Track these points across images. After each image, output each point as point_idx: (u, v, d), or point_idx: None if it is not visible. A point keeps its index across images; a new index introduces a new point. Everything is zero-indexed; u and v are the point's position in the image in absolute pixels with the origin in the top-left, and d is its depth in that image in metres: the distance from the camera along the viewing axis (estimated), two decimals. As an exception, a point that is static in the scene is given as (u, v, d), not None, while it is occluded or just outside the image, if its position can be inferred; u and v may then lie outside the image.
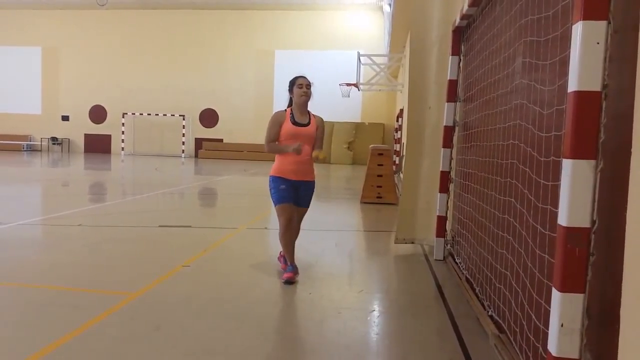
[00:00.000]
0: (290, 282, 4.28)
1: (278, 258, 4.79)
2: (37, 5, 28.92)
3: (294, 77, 4.43)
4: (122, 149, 29.19)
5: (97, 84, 29.76)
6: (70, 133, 30.34)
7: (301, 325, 3.46)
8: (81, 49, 29.82)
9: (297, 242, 4.58)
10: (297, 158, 4.28)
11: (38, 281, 4.20)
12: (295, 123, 4.32)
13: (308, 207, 4.56)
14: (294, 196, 4.37)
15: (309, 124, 4.38)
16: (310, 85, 4.39)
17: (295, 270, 4.40)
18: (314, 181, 4.51)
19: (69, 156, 25.81)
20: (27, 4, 28.75)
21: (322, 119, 4.52)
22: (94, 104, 30.03)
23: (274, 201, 4.37)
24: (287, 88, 4.47)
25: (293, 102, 4.40)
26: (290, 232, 4.42)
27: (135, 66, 29.39)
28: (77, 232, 6.26)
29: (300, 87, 4.34)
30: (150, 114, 29.11)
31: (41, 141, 30.21)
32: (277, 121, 4.35)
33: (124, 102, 29.41)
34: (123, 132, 29.20)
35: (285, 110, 4.41)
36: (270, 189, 4.39)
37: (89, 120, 30.19)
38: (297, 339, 3.23)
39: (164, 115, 29.02)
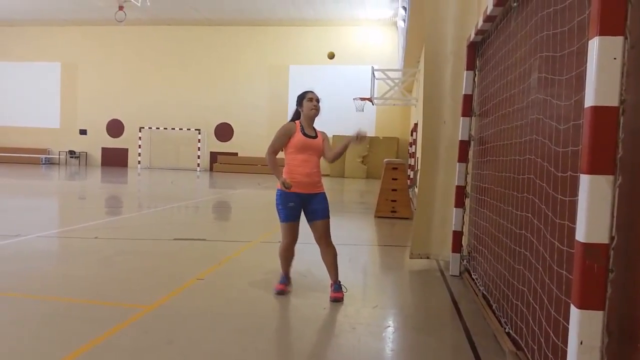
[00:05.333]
0: (282, 293, 4.36)
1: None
2: (57, 22, 29.56)
3: (303, 91, 4.47)
4: (139, 162, 29.49)
5: (114, 98, 30.21)
6: (88, 147, 30.76)
7: (315, 340, 3.44)
8: (99, 64, 30.35)
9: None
10: (307, 170, 4.26)
11: (54, 293, 4.24)
12: (305, 135, 4.31)
13: (328, 217, 4.39)
14: (301, 212, 4.34)
15: (316, 136, 4.37)
16: (319, 100, 4.42)
17: (288, 281, 4.49)
18: (324, 192, 4.41)
19: (87, 169, 26.16)
20: (47, 21, 29.40)
21: (326, 133, 4.51)
22: (112, 118, 30.45)
23: (280, 218, 4.32)
24: (296, 102, 4.49)
25: (302, 116, 4.40)
26: (292, 251, 4.42)
27: (152, 81, 29.81)
28: (93, 244, 6.32)
29: (310, 101, 4.36)
30: (166, 128, 29.44)
31: (59, 155, 30.66)
32: (286, 133, 4.32)
33: (141, 116, 29.78)
34: (140, 146, 29.52)
35: (295, 122, 4.40)
36: (277, 204, 4.31)
37: (107, 134, 30.60)
38: (311, 354, 3.22)
39: (180, 129, 29.32)
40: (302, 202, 4.29)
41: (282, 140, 4.32)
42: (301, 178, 4.25)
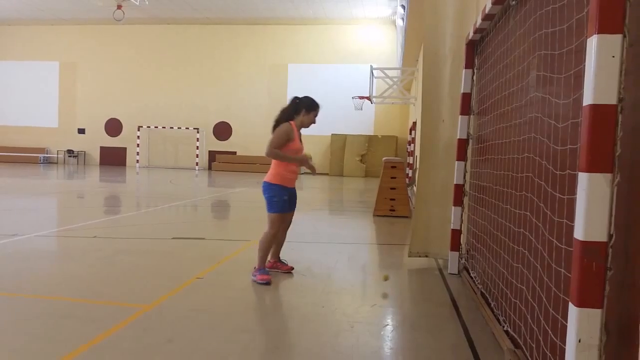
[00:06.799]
0: (269, 283, 4.61)
1: (270, 266, 5.02)
2: (55, 21, 29.52)
3: (316, 102, 4.70)
4: (137, 161, 29.48)
5: (113, 97, 30.19)
6: (86, 146, 30.74)
7: (314, 339, 3.44)
8: (98, 63, 30.31)
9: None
10: (297, 169, 4.70)
11: (53, 293, 4.24)
12: (300, 141, 4.72)
13: None
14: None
15: None
16: None
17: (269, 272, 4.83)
18: None
19: (85, 169, 26.13)
20: (46, 20, 29.35)
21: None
22: (110, 117, 30.43)
23: (275, 209, 4.62)
24: (303, 105, 4.66)
25: (299, 120, 4.67)
26: (276, 239, 4.85)
27: (151, 80, 29.78)
28: (91, 243, 6.32)
29: (315, 116, 4.72)
30: (165, 127, 29.42)
31: (57, 154, 30.63)
32: (288, 135, 4.60)
33: (139, 115, 29.76)
34: (138, 145, 29.51)
35: (291, 124, 4.65)
36: (271, 197, 4.61)
37: (105, 133, 30.58)
38: (310, 353, 3.22)
39: (179, 128, 29.31)
40: (290, 196, 4.74)
41: (283, 141, 4.58)
42: (292, 176, 4.73)
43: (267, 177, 4.70)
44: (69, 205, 11.22)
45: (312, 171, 4.74)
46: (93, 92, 30.45)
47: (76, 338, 3.20)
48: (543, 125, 2.73)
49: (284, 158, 4.57)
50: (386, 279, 4.82)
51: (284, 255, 5.15)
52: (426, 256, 5.68)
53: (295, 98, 4.78)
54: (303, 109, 4.64)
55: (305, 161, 4.62)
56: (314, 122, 4.75)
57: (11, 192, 13.24)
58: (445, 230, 5.43)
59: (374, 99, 20.89)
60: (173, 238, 6.85)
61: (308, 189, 16.85)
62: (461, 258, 5.26)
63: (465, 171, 5.12)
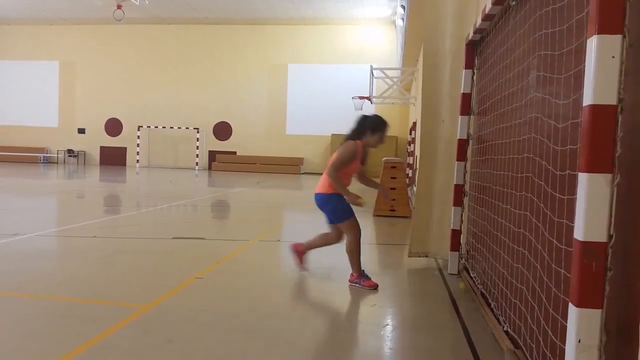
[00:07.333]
0: (377, 287, 4.53)
1: (298, 251, 4.93)
2: (55, 20, 29.52)
3: (382, 122, 4.54)
4: (137, 161, 29.48)
5: (113, 97, 30.19)
6: (86, 146, 30.74)
7: (314, 339, 3.44)
8: (98, 63, 30.32)
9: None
10: (349, 183, 4.54)
11: (52, 292, 4.23)
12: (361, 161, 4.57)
13: None
14: None
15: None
16: None
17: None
18: None
19: (85, 168, 26.13)
20: (46, 19, 29.36)
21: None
22: (110, 117, 30.44)
23: (345, 217, 4.51)
24: (371, 125, 4.51)
25: (366, 140, 4.52)
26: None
27: (151, 80, 29.79)
28: (91, 243, 6.32)
29: (382, 137, 4.55)
30: (165, 127, 29.43)
31: (57, 153, 30.64)
32: (353, 157, 4.47)
33: (139, 115, 29.77)
34: (138, 145, 29.51)
35: (357, 143, 4.49)
36: (335, 207, 4.51)
37: (105, 133, 30.59)
38: (309, 353, 3.22)
39: (179, 128, 29.32)
40: None
41: (347, 161, 4.46)
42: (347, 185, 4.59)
43: (322, 189, 4.55)
44: (69, 205, 11.22)
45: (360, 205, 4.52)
46: (93, 91, 30.46)
47: (76, 338, 3.20)
48: (543, 125, 2.73)
49: (339, 186, 4.42)
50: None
51: (283, 255, 5.13)
52: (426, 256, 5.68)
53: (362, 117, 4.61)
54: (368, 130, 4.50)
55: (354, 201, 4.40)
56: (382, 142, 4.59)
57: (11, 191, 13.24)
58: (445, 230, 5.43)
59: (374, 99, 20.90)
60: (173, 238, 6.84)
61: (308, 189, 16.85)
62: (461, 258, 5.26)
63: (465, 171, 5.12)
